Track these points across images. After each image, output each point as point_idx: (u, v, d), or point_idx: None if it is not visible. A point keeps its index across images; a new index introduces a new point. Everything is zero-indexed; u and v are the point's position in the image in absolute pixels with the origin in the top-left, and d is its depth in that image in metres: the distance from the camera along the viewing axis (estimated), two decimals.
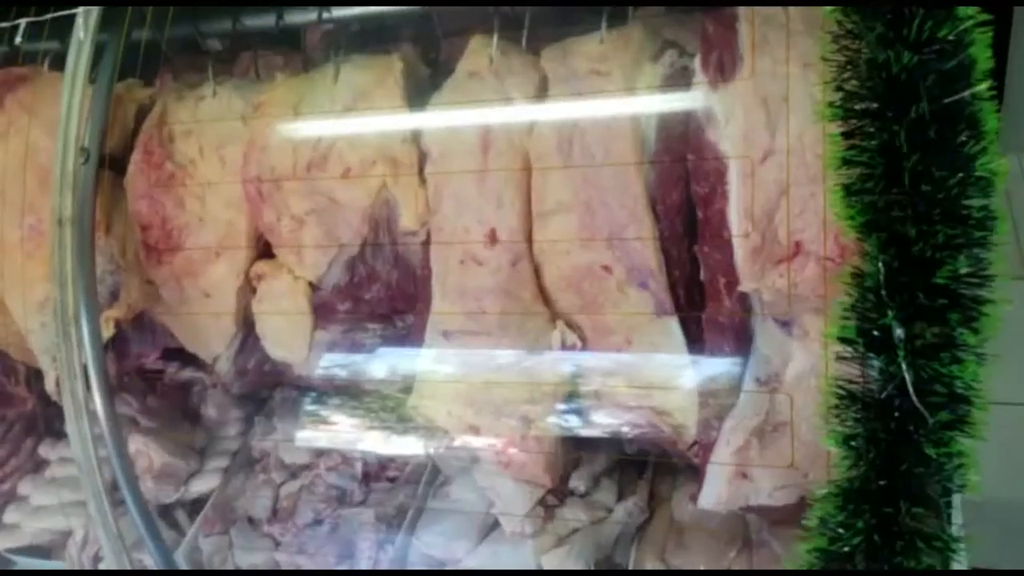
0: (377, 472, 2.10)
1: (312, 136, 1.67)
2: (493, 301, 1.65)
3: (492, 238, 1.59)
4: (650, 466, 1.99)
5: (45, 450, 2.32)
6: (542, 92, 1.58)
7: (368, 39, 1.81)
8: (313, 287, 1.77)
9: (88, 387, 1.66)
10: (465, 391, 1.77)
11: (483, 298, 1.65)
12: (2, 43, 1.90)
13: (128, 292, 1.80)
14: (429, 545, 1.89)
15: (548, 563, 1.78)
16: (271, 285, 1.78)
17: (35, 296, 1.81)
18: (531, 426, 1.76)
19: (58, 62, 1.81)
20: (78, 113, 1.65)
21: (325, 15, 1.75)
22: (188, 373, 2.20)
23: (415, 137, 1.62)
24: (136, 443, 2.15)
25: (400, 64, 1.65)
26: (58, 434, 2.36)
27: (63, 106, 1.65)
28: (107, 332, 1.85)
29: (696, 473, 1.88)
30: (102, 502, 1.71)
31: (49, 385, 1.92)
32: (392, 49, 1.81)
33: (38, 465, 2.34)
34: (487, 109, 1.55)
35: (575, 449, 1.90)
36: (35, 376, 2.01)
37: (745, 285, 1.43)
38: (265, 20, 1.81)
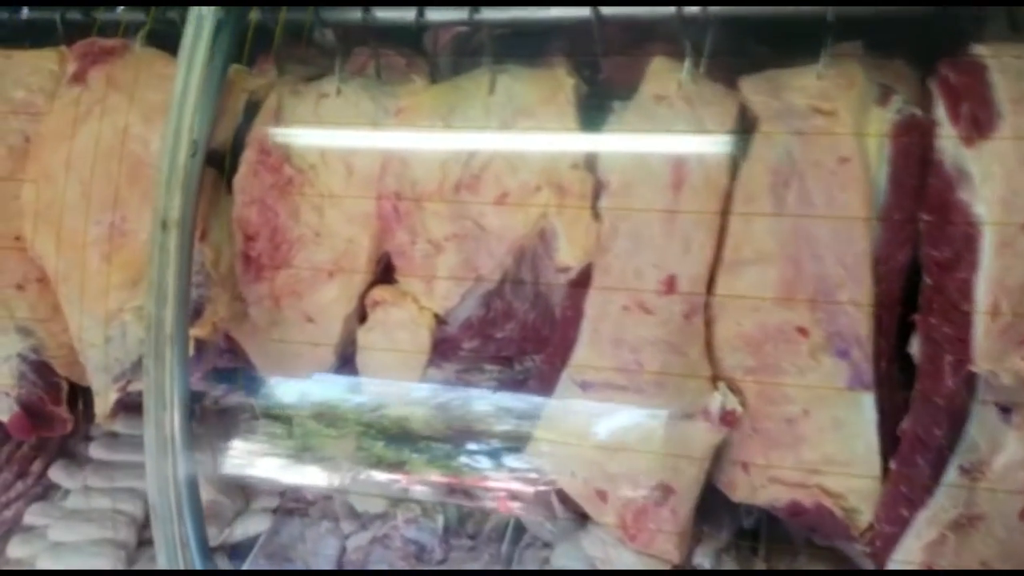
0: (457, 528, 1.87)
1: (463, 152, 1.46)
2: (653, 355, 1.46)
3: (669, 286, 1.40)
4: (763, 544, 1.81)
5: (57, 474, 2.03)
6: (740, 125, 1.40)
7: (512, 47, 1.60)
8: (438, 320, 1.54)
9: None
10: (596, 451, 1.56)
11: (642, 350, 1.46)
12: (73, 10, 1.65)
13: (215, 309, 1.56)
14: None
15: None
16: (388, 314, 1.55)
17: (105, 306, 1.55)
18: (670, 497, 1.56)
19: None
20: (194, 99, 1.40)
21: (476, 16, 1.54)
22: (237, 398, 1.95)
23: (589, 163, 1.42)
24: None
25: (571, 80, 1.45)
26: (71, 455, 2.08)
27: (176, 90, 1.41)
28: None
29: (817, 554, 1.72)
30: (175, 554, 1.45)
31: (101, 409, 1.65)
32: (540, 62, 1.61)
33: (46, 490, 2.05)
34: (682, 139, 1.36)
35: (699, 522, 1.71)
36: (80, 396, 1.72)
37: (980, 365, 1.27)
38: (402, 15, 1.59)
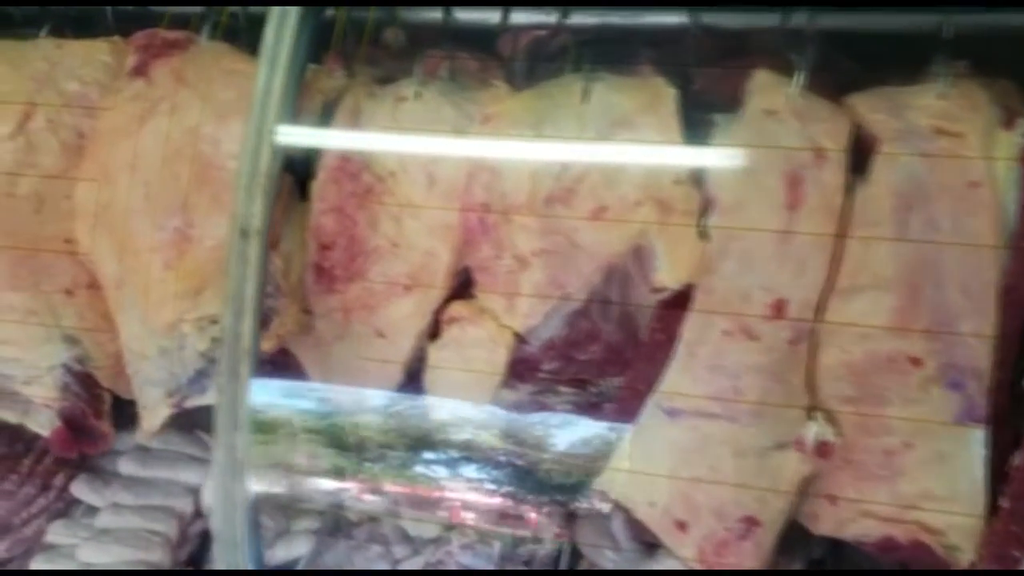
0: (511, 554, 1.79)
1: (556, 163, 1.38)
2: (754, 382, 1.39)
3: (778, 310, 1.33)
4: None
5: (80, 489, 1.91)
6: (853, 144, 1.34)
7: (594, 53, 1.53)
8: (518, 339, 1.46)
9: None
10: (679, 482, 1.49)
11: (743, 377, 1.39)
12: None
13: (282, 321, 1.46)
14: None
15: None
16: (465, 331, 1.47)
17: (164, 316, 1.44)
18: (754, 530, 1.49)
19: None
20: (277, 101, 1.31)
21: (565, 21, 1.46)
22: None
23: (695, 179, 1.34)
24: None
25: (672, 91, 1.38)
26: (94, 470, 1.96)
27: (258, 90, 1.32)
28: None
29: None
30: None
31: (149, 424, 1.55)
32: (628, 70, 1.54)
33: (68, 506, 1.93)
34: (797, 156, 1.29)
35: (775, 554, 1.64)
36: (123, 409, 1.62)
37: None
38: (485, 17, 1.50)
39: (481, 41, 1.72)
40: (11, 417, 1.54)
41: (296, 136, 1.38)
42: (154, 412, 1.53)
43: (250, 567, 1.37)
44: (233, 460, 1.31)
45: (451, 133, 1.45)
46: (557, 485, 1.82)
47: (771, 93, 1.38)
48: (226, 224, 1.42)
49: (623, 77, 1.46)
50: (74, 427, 1.56)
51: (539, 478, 1.78)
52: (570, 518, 1.84)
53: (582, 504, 1.80)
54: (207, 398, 1.51)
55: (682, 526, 1.50)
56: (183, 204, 1.41)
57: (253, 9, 1.57)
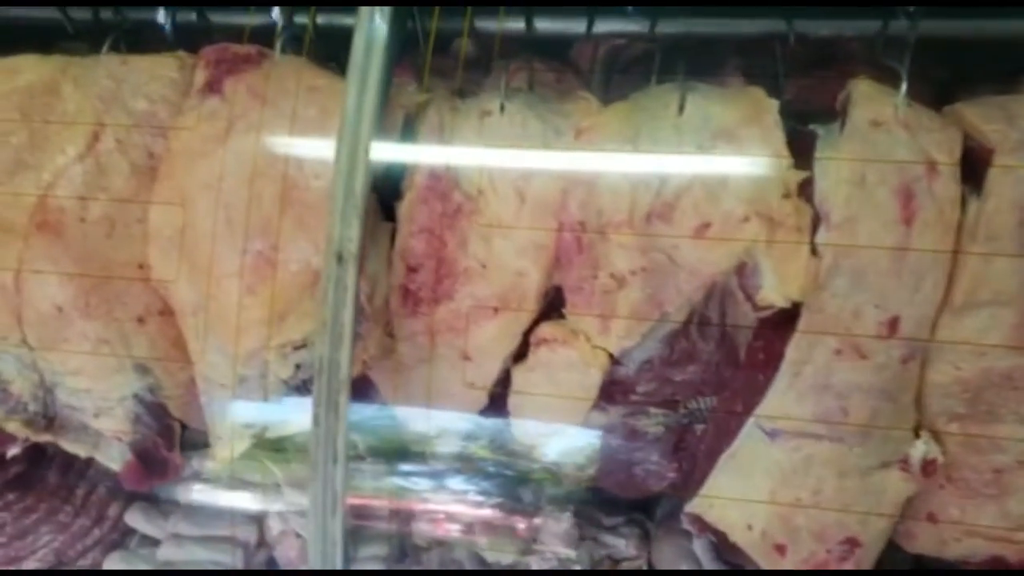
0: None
1: (655, 178, 1.33)
2: (863, 402, 1.35)
3: (892, 328, 1.29)
4: None
5: (135, 519, 1.85)
6: (963, 155, 1.29)
7: (680, 63, 1.48)
8: (612, 360, 1.41)
9: None
10: (778, 505, 1.45)
11: (851, 397, 1.35)
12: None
13: (366, 346, 1.40)
14: None
15: None
16: (556, 353, 1.42)
17: (245, 343, 1.38)
18: (855, 551, 1.45)
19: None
20: (369, 120, 1.25)
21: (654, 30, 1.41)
22: None
23: (803, 193, 1.29)
24: (278, 522, 1.73)
25: (775, 101, 1.33)
26: (149, 499, 1.89)
27: (348, 110, 1.26)
28: None
29: None
30: None
31: (223, 455, 1.48)
32: (717, 80, 1.49)
33: (123, 536, 1.86)
34: (910, 170, 1.25)
35: None
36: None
37: None
38: (569, 26, 1.45)
39: (552, 50, 1.67)
40: (81, 451, 1.47)
41: (389, 156, 1.32)
42: (228, 442, 1.46)
43: None
44: (331, 494, 1.25)
45: (540, 148, 1.39)
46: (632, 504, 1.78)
47: (876, 103, 1.33)
48: (310, 247, 1.37)
49: (717, 87, 1.41)
50: (146, 460, 1.49)
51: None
52: (647, 538, 1.79)
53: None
54: (290, 428, 1.45)
55: (781, 549, 1.46)
56: (266, 227, 1.35)
57: (321, 20, 1.51)
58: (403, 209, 1.37)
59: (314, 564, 1.27)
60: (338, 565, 1.27)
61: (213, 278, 1.37)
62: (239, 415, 1.45)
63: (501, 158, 1.39)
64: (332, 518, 1.26)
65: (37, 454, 1.88)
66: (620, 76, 1.64)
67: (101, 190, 1.38)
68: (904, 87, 1.32)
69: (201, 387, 1.46)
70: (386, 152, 1.34)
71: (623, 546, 1.78)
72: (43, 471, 1.85)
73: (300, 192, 1.35)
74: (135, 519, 1.87)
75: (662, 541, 1.78)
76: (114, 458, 1.47)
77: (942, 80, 1.54)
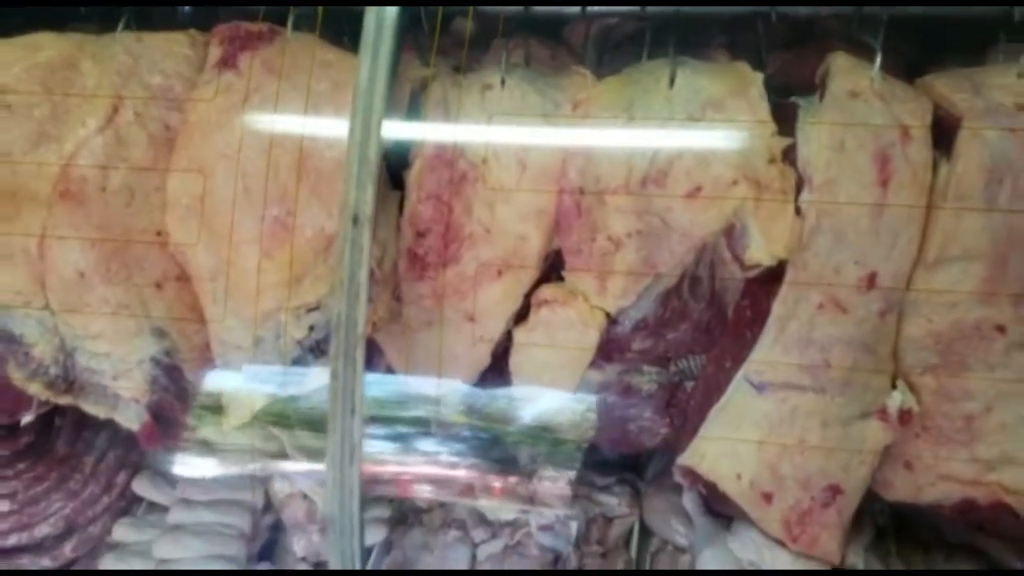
0: (585, 535, 1.83)
1: (649, 147, 1.42)
2: (844, 354, 1.45)
3: (870, 282, 1.39)
4: (894, 541, 1.82)
5: (142, 487, 1.91)
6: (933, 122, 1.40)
7: (669, 41, 1.57)
8: (609, 319, 1.50)
9: None
10: (765, 454, 1.54)
11: (833, 349, 1.45)
12: None
13: (375, 309, 1.48)
14: None
15: None
16: (555, 313, 1.50)
17: (262, 306, 1.46)
18: (837, 498, 1.55)
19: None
20: (382, 91, 1.33)
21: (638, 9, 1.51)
22: None
23: (787, 159, 1.39)
24: (284, 485, 1.80)
25: (759, 75, 1.43)
26: (154, 468, 1.96)
27: (362, 81, 1.34)
28: None
29: (953, 551, 1.74)
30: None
31: (238, 416, 1.56)
32: (703, 55, 1.58)
33: (130, 504, 1.93)
34: (884, 135, 1.35)
35: None
36: None
37: None
38: (564, 9, 1.54)
39: (547, 29, 1.76)
40: (101, 412, 1.53)
41: (401, 126, 1.39)
42: (244, 403, 1.53)
43: (359, 554, 1.39)
44: (348, 444, 1.32)
45: (540, 119, 1.47)
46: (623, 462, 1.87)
47: (853, 75, 1.43)
48: (324, 213, 1.44)
49: (704, 63, 1.50)
50: (162, 421, 1.55)
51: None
52: (638, 496, 1.88)
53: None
54: (305, 386, 1.52)
55: (768, 497, 1.55)
56: (282, 194, 1.42)
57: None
58: (412, 177, 1.44)
59: (332, 512, 1.35)
60: (355, 514, 1.35)
61: (230, 244, 1.44)
62: (254, 376, 1.51)
63: (503, 129, 1.46)
64: (350, 467, 1.33)
65: (45, 425, 1.93)
66: (611, 53, 1.73)
67: (121, 160, 1.44)
68: (879, 61, 1.41)
69: (217, 350, 1.53)
70: (395, 124, 1.41)
71: (615, 504, 1.87)
72: (52, 441, 1.91)
73: (314, 161, 1.43)
74: (142, 487, 1.93)
75: (652, 498, 1.87)
76: (132, 419, 1.53)
77: (911, 55, 1.65)
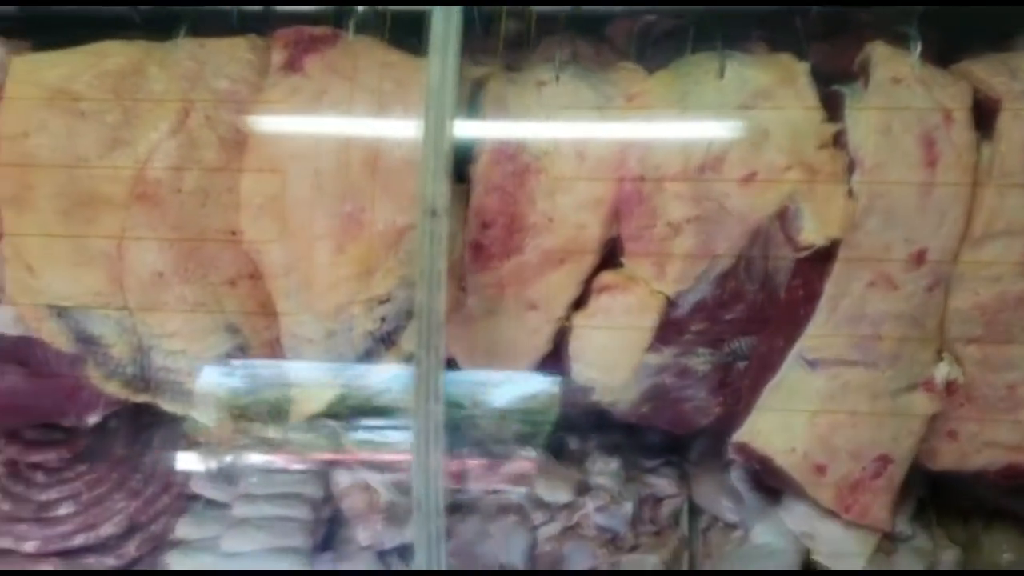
0: (638, 514, 1.89)
1: (704, 135, 1.49)
2: (894, 328, 1.53)
3: (919, 259, 1.47)
4: (933, 511, 1.89)
5: (200, 485, 1.95)
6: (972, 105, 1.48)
7: (710, 36, 1.64)
8: (668, 303, 1.56)
9: None
10: (818, 428, 1.61)
11: (884, 324, 1.52)
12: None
13: None
14: None
15: None
16: (615, 299, 1.57)
17: (334, 299, 1.51)
18: (888, 467, 1.63)
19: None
20: (452, 88, 1.39)
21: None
22: None
23: (836, 144, 1.47)
24: (346, 476, 1.85)
25: (805, 65, 1.50)
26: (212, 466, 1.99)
27: (432, 80, 1.40)
28: (412, 345, 1.57)
29: (993, 519, 1.81)
30: (436, 551, 1.43)
31: (307, 407, 1.61)
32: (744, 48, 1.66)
33: (188, 502, 1.96)
34: (929, 119, 1.43)
35: None
36: None
37: None
38: (611, 8, 1.61)
39: (589, 28, 1.82)
40: (179, 409, 1.58)
41: (471, 124, 1.46)
42: (315, 394, 1.58)
43: (443, 535, 1.44)
44: (432, 429, 1.38)
45: (595, 112, 1.53)
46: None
47: (894, 63, 1.51)
48: (394, 208, 1.50)
49: (750, 55, 1.58)
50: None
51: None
52: (685, 477, 1.95)
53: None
54: (376, 378, 1.58)
55: (821, 469, 1.62)
56: (354, 191, 1.47)
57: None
58: (478, 170, 1.50)
59: (419, 495, 1.40)
60: (440, 496, 1.40)
61: (303, 240, 1.49)
62: (326, 368, 1.57)
63: (566, 123, 1.52)
64: (435, 451, 1.39)
65: (101, 428, 1.97)
66: (652, 49, 1.79)
67: (194, 163, 1.49)
68: (919, 48, 1.49)
69: (288, 344, 1.58)
70: (464, 121, 1.48)
71: (664, 485, 1.93)
72: (110, 443, 1.95)
73: (384, 159, 1.48)
74: (200, 484, 1.96)
75: (700, 478, 1.94)
76: (209, 416, 1.57)
77: (940, 44, 1.72)
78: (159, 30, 1.66)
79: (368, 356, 1.56)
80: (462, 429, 1.81)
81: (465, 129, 1.48)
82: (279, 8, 1.62)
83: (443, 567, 1.44)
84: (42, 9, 1.70)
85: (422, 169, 1.37)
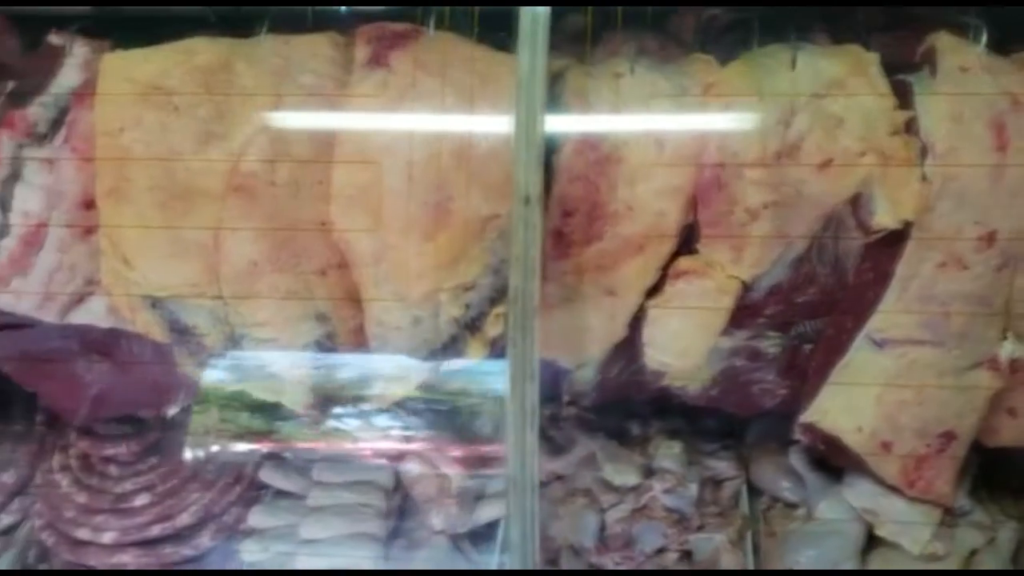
0: (702, 495, 1.94)
1: (779, 123, 1.54)
2: (962, 307, 1.59)
3: (990, 240, 1.53)
4: (983, 488, 1.95)
5: (269, 475, 1.99)
6: None
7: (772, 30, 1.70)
8: (744, 287, 1.62)
9: None
10: (885, 406, 1.67)
11: (953, 304, 1.58)
12: None
13: None
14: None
15: None
16: (691, 284, 1.62)
17: (422, 287, 1.56)
18: (952, 444, 1.69)
19: None
20: (541, 80, 1.44)
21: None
22: None
23: (908, 130, 1.53)
24: (416, 464, 1.89)
25: (875, 55, 1.56)
26: (277, 456, 2.04)
27: (522, 72, 1.45)
28: (495, 330, 1.63)
29: None
30: (530, 528, 1.48)
31: (394, 393, 1.66)
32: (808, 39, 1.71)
33: (258, 492, 2.00)
34: (998, 105, 1.49)
35: None
36: None
37: None
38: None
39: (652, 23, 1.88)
40: (268, 396, 1.61)
41: (557, 116, 1.51)
42: (402, 380, 1.62)
43: (537, 511, 1.48)
44: (526, 409, 1.42)
45: (673, 102, 1.59)
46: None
47: (960, 53, 1.57)
48: (480, 198, 1.55)
49: (819, 46, 1.63)
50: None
51: None
52: (742, 460, 2.00)
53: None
54: (462, 361, 1.62)
55: (887, 447, 1.68)
56: (443, 182, 1.52)
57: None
58: (561, 160, 1.55)
59: (515, 473, 1.45)
60: (535, 476, 1.45)
61: (393, 230, 1.54)
62: (412, 353, 1.61)
63: (641, 113, 1.58)
64: (530, 430, 1.43)
65: (170, 422, 2.00)
66: (713, 43, 1.85)
67: (285, 155, 1.53)
68: (984, 38, 1.55)
69: (374, 331, 1.62)
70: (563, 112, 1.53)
71: (724, 467, 1.98)
72: (178, 435, 1.98)
73: (471, 150, 1.53)
74: (269, 475, 2.00)
75: (758, 460, 1.99)
76: (297, 402, 1.61)
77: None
78: (234, 28, 1.69)
79: (453, 342, 1.60)
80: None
81: (551, 121, 1.52)
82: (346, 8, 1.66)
83: (536, 542, 1.49)
84: (119, 9, 1.73)
85: (515, 159, 1.42)
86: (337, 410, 1.72)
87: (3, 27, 1.86)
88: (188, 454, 1.88)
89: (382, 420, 1.92)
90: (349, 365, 1.69)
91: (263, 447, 1.94)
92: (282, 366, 1.61)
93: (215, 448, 1.85)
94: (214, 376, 1.63)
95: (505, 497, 1.90)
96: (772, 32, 1.69)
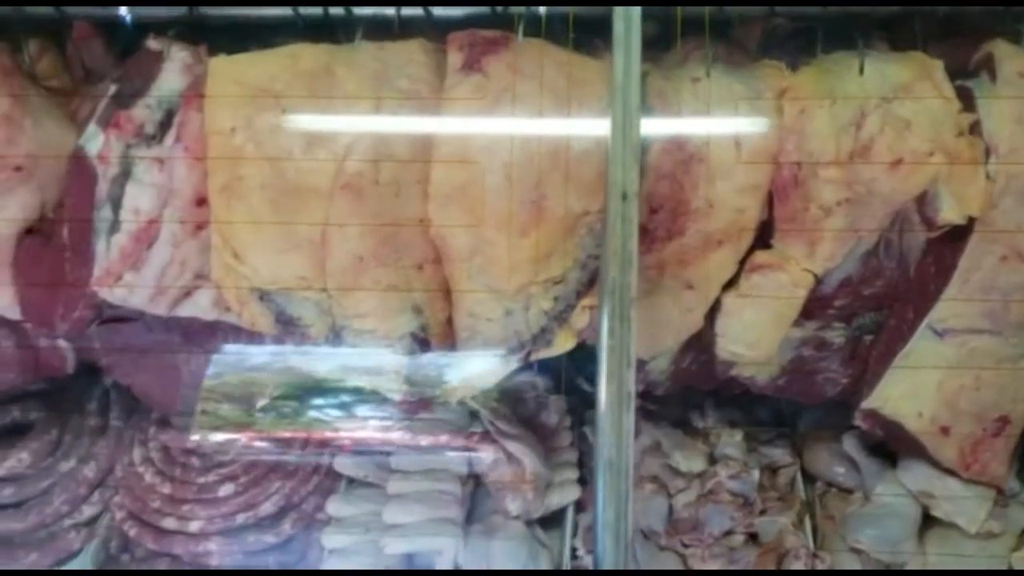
0: (761, 479, 2.04)
1: (851, 124, 1.65)
2: (1022, 298, 1.68)
3: None
4: None
5: (343, 465, 2.07)
6: None
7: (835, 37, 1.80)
8: (816, 280, 1.72)
9: None
10: (944, 393, 1.78)
11: (1013, 294, 1.69)
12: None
13: None
14: (875, 550, 1.87)
15: (1020, 563, 1.81)
16: (766, 277, 1.72)
17: (516, 280, 1.65)
18: (1006, 427, 1.80)
19: None
20: (636, 81, 1.54)
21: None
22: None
23: (974, 131, 1.63)
24: (492, 450, 1.98)
25: (939, 61, 1.67)
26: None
27: (617, 75, 1.54)
28: (581, 322, 1.72)
29: None
30: (623, 506, 1.56)
31: (485, 383, 1.74)
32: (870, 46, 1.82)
33: (334, 482, 2.08)
34: None
35: None
36: None
37: None
38: (752, 10, 1.77)
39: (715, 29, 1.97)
40: (366, 384, 1.69)
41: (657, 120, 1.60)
42: (493, 371, 1.71)
43: (631, 493, 1.57)
44: (625, 393, 1.51)
45: (749, 105, 1.69)
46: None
47: (1018, 59, 1.68)
48: (572, 196, 1.64)
49: (883, 53, 1.74)
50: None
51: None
52: (795, 447, 2.10)
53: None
54: (551, 350, 1.71)
55: (946, 431, 1.79)
56: (536, 181, 1.61)
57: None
58: (649, 159, 1.64)
59: (611, 455, 1.53)
60: (631, 458, 1.53)
61: (490, 226, 1.63)
62: (503, 345, 1.70)
63: (721, 116, 1.67)
64: (627, 414, 1.52)
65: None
66: (778, 49, 1.95)
67: (387, 156, 1.61)
68: None
69: (465, 323, 1.71)
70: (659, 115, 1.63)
71: (780, 455, 2.08)
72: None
73: (563, 150, 1.62)
74: (344, 465, 2.08)
75: (813, 447, 2.09)
76: (392, 390, 1.69)
77: None
78: (318, 32, 1.78)
79: (543, 333, 1.69)
80: None
81: (654, 124, 1.62)
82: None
83: (630, 521, 1.57)
84: (206, 15, 1.80)
85: (612, 158, 1.50)
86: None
87: (89, 33, 1.93)
88: (271, 444, 1.94)
89: (456, 411, 2.00)
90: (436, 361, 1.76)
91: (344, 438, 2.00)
92: (378, 359, 1.67)
93: (299, 437, 1.91)
94: (311, 367, 1.70)
95: (576, 483, 2.00)
96: (834, 40, 1.79)
